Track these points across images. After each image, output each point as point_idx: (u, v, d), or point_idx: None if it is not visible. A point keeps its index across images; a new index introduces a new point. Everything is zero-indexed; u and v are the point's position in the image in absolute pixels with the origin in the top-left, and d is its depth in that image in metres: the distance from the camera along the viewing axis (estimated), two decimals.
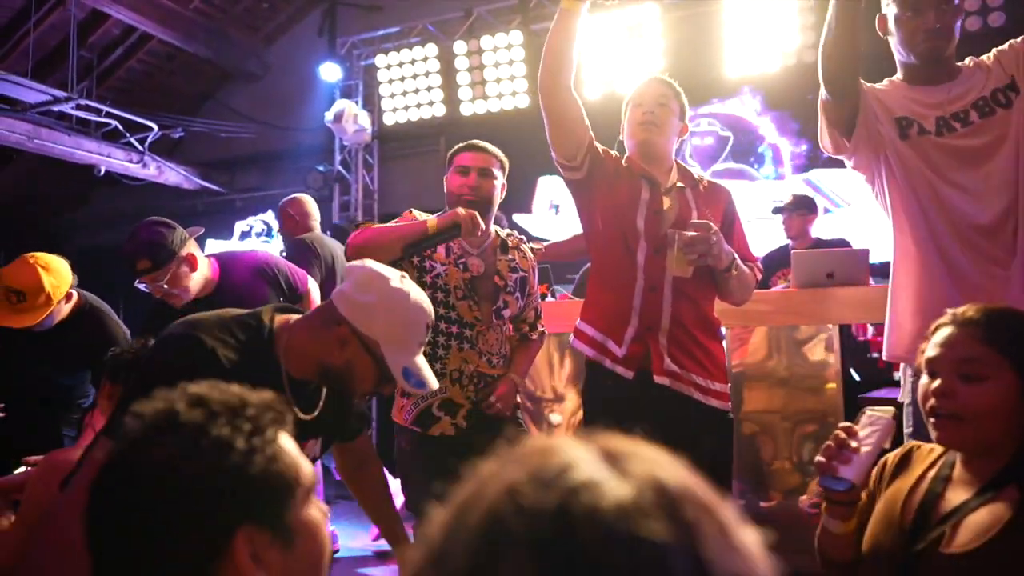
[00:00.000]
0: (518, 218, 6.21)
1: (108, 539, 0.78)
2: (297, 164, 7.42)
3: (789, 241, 4.68)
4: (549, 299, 3.89)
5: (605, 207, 2.25)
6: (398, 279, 1.54)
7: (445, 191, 2.54)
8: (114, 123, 6.94)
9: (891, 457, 1.44)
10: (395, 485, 2.90)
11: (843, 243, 4.62)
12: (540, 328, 2.63)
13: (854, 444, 1.34)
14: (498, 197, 2.52)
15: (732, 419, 2.25)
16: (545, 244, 3.34)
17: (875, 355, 4.51)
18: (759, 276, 2.34)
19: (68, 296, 2.76)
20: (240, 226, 8.06)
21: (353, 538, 4.13)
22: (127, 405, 1.34)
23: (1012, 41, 2.08)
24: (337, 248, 4.09)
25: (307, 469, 0.84)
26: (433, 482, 2.36)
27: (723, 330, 2.37)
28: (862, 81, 2.08)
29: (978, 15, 4.89)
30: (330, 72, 6.93)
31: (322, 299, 3.01)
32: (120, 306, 8.09)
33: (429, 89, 6.66)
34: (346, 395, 1.59)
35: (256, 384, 1.41)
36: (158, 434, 0.78)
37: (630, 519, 0.41)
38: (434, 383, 1.59)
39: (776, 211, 4.73)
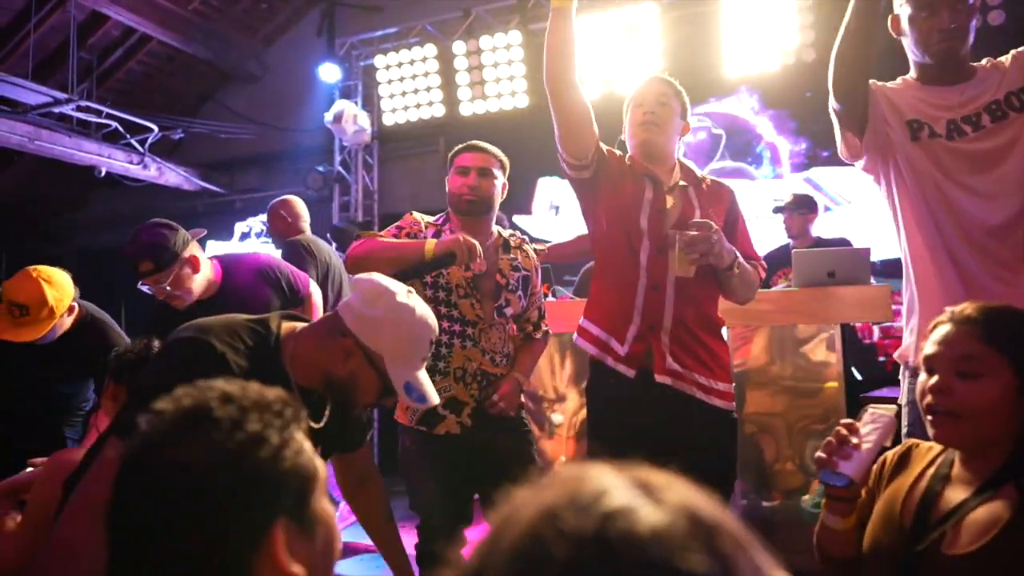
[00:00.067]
0: (518, 219, 6.21)
1: (145, 537, 0.78)
2: (297, 165, 7.43)
3: (790, 240, 4.69)
4: (550, 299, 3.90)
5: (609, 207, 2.25)
6: (404, 294, 1.55)
7: (447, 191, 2.56)
8: (114, 124, 6.95)
9: (890, 455, 1.45)
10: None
11: (844, 242, 4.62)
12: (544, 328, 2.65)
13: (855, 440, 1.35)
14: (499, 197, 2.54)
15: (736, 419, 2.25)
16: (549, 245, 3.34)
17: (882, 359, 4.52)
18: (763, 275, 2.34)
19: (70, 309, 2.76)
20: (240, 227, 8.07)
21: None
22: (136, 405, 1.35)
23: None
24: (331, 253, 4.09)
25: (319, 461, 0.86)
26: (438, 481, 2.37)
27: (724, 330, 2.36)
28: (873, 81, 2.08)
29: (978, 13, 4.90)
30: (329, 73, 6.94)
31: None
32: (122, 307, 8.11)
33: (428, 89, 6.66)
34: (348, 406, 1.59)
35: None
36: (194, 430, 0.79)
37: (668, 547, 0.41)
38: (435, 398, 1.61)
39: (777, 210, 4.74)
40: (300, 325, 1.58)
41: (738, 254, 2.17)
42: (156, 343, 2.22)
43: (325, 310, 3.02)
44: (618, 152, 2.33)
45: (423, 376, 1.58)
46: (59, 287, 2.71)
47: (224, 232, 7.92)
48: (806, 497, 3.36)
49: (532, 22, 6.21)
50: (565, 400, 4.00)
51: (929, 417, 1.31)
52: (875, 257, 3.31)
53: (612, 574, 0.40)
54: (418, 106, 6.75)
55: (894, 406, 1.40)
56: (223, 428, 0.79)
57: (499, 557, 0.43)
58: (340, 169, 7.27)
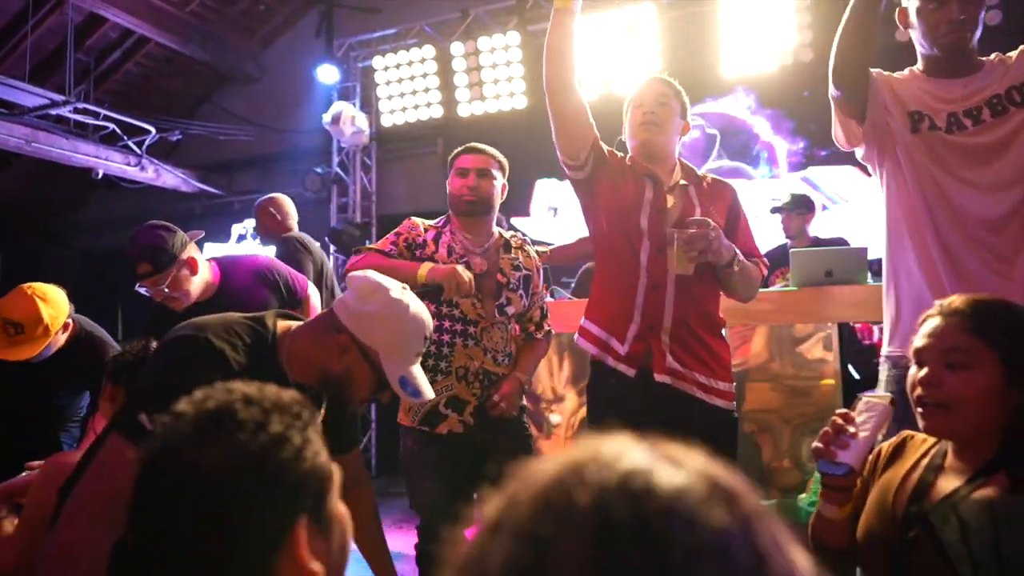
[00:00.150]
0: (516, 221, 6.22)
1: (168, 539, 0.79)
2: (295, 166, 7.43)
3: (787, 240, 4.69)
4: (548, 299, 3.90)
5: (609, 207, 2.26)
6: (399, 290, 1.56)
7: (447, 194, 2.58)
8: (111, 126, 6.95)
9: (885, 446, 1.46)
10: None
11: (841, 242, 4.63)
12: (546, 328, 2.66)
13: (852, 429, 1.36)
14: (499, 198, 2.57)
15: (737, 418, 2.26)
16: (551, 247, 3.35)
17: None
18: (765, 272, 2.34)
19: (65, 326, 2.74)
20: (237, 229, 8.06)
21: None
22: (135, 403, 1.35)
23: None
24: (322, 253, 4.10)
25: (332, 462, 0.88)
26: (440, 480, 2.38)
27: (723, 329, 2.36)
28: (879, 70, 2.09)
29: (986, 5, 4.91)
30: (327, 74, 6.93)
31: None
32: (120, 309, 8.13)
33: (427, 90, 6.67)
34: (344, 402, 1.60)
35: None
36: (218, 431, 0.81)
37: (691, 500, 0.42)
38: (430, 393, 1.62)
39: (775, 211, 4.74)
40: (295, 323, 1.59)
41: (738, 251, 2.16)
42: (154, 344, 2.22)
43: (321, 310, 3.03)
44: (619, 153, 2.34)
45: (418, 371, 1.60)
46: (54, 304, 2.69)
47: (222, 234, 7.92)
48: (803, 496, 3.36)
49: (530, 23, 6.22)
50: (563, 401, 4.01)
51: (919, 409, 1.33)
52: (872, 256, 3.31)
53: (636, 520, 0.40)
54: (416, 107, 6.75)
55: (888, 394, 1.41)
56: (247, 429, 0.81)
57: (519, 509, 0.43)
58: (338, 170, 7.27)
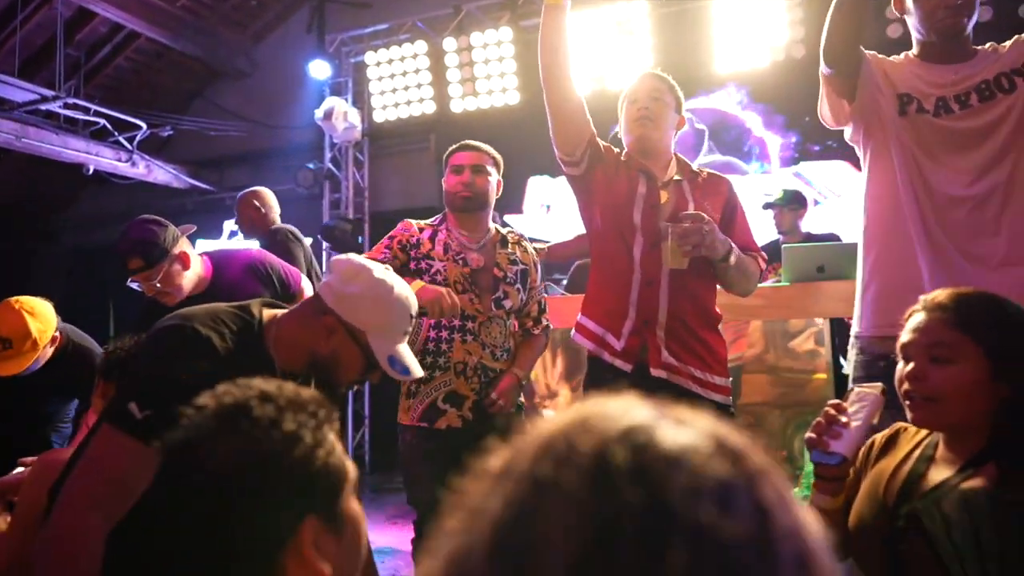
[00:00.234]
0: (509, 218, 6.22)
1: (179, 532, 0.81)
2: (287, 162, 7.40)
3: (779, 236, 4.70)
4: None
5: (604, 203, 2.27)
6: (381, 270, 1.57)
7: (443, 191, 2.60)
8: (102, 122, 6.91)
9: (879, 438, 1.48)
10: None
11: (833, 237, 4.64)
12: (544, 322, 2.68)
13: (844, 419, 1.37)
14: (494, 193, 2.59)
15: (734, 413, 2.27)
16: (549, 245, 3.36)
17: None
18: (763, 266, 2.34)
19: (53, 339, 2.73)
20: (229, 224, 8.03)
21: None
22: (126, 394, 1.35)
23: None
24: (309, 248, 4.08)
25: (350, 462, 0.89)
26: (438, 474, 2.40)
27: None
28: (873, 52, 2.10)
29: None
30: (319, 69, 6.91)
31: None
32: (111, 305, 8.08)
33: (419, 86, 6.65)
34: (333, 385, 1.60)
35: (250, 374, 1.43)
36: (233, 428, 0.82)
37: (694, 452, 0.42)
38: (419, 370, 1.62)
39: (767, 206, 4.75)
40: (280, 311, 1.59)
41: (733, 245, 2.16)
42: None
43: None
44: (615, 148, 2.34)
45: (405, 349, 1.60)
46: (42, 318, 2.67)
47: (214, 230, 7.89)
48: (795, 489, 3.38)
49: (523, 18, 6.21)
50: (557, 396, 4.01)
51: (907, 402, 1.34)
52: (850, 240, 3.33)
53: (636, 465, 0.40)
54: (408, 103, 6.74)
55: (880, 384, 1.42)
56: (260, 426, 0.82)
57: (527, 453, 0.44)
58: (330, 166, 7.25)
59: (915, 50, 2.13)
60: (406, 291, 1.59)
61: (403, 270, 2.47)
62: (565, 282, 4.29)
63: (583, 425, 0.44)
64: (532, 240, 2.95)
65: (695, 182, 2.29)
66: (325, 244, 6.76)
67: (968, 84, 2.02)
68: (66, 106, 6.61)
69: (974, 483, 1.26)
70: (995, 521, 1.21)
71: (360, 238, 7.02)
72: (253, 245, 3.86)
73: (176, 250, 2.45)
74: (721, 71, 5.71)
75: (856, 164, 2.34)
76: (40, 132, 6.68)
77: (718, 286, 2.32)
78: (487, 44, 6.31)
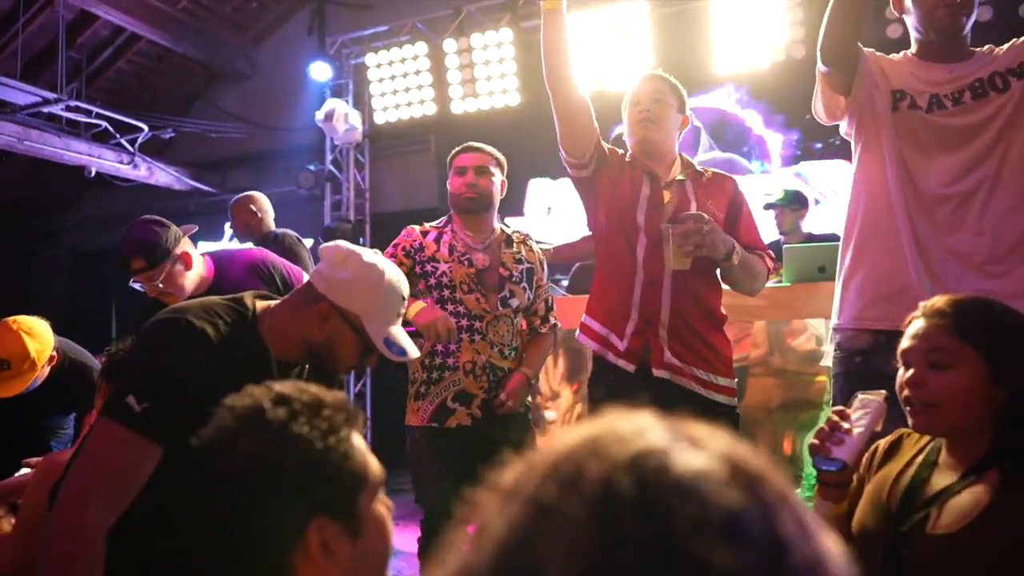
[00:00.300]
0: (510, 221, 6.22)
1: (195, 527, 0.84)
2: (288, 164, 7.41)
3: (780, 236, 4.70)
4: None
5: (608, 205, 2.28)
6: (371, 254, 1.58)
7: (448, 193, 2.63)
8: (104, 124, 6.92)
9: (882, 443, 1.48)
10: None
11: (834, 237, 4.61)
12: (552, 320, 2.70)
13: (846, 426, 1.38)
14: (498, 194, 2.62)
15: (738, 414, 2.27)
16: (555, 246, 3.37)
17: None
18: (770, 265, 2.33)
19: (50, 358, 2.72)
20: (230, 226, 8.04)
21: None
22: (124, 388, 1.35)
23: None
24: None
25: (375, 465, 0.90)
26: (447, 473, 2.42)
27: None
28: (871, 49, 2.12)
29: None
30: (320, 71, 6.92)
31: None
32: (113, 306, 8.08)
33: (419, 88, 6.66)
34: (331, 371, 1.62)
35: (245, 364, 1.44)
36: (248, 429, 0.84)
37: (704, 480, 0.40)
38: (415, 351, 1.63)
39: (768, 207, 4.75)
40: (274, 303, 1.60)
41: (736, 244, 2.16)
42: None
43: None
44: (619, 150, 2.35)
45: (400, 331, 1.61)
46: (40, 338, 2.66)
47: (215, 231, 7.90)
48: (797, 490, 3.38)
49: (523, 20, 6.21)
50: (559, 397, 4.01)
51: (907, 408, 1.35)
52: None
53: (641, 494, 0.39)
54: (409, 104, 6.74)
55: (883, 391, 1.43)
56: (272, 429, 0.84)
57: (535, 473, 0.44)
58: (331, 168, 7.26)
59: (913, 49, 2.14)
60: (397, 274, 1.59)
61: (409, 275, 2.49)
62: (566, 283, 4.30)
63: (593, 448, 0.43)
64: (538, 243, 2.95)
65: (699, 182, 2.29)
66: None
67: (963, 82, 2.03)
68: (68, 109, 6.62)
69: (976, 489, 1.27)
70: (997, 528, 1.22)
71: (361, 239, 7.03)
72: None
73: (178, 250, 2.45)
74: (721, 72, 5.71)
75: None
76: (42, 135, 6.70)
77: (725, 286, 2.32)
78: (487, 45, 6.32)
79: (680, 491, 0.40)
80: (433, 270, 2.50)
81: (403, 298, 1.60)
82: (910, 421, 1.36)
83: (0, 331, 2.63)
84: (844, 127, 2.19)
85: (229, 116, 8.01)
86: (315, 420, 0.85)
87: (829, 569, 0.41)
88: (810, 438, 1.41)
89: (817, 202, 5.42)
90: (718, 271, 2.27)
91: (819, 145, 5.55)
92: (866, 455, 1.45)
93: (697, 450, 0.43)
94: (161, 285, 2.43)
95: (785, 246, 3.56)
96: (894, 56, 2.13)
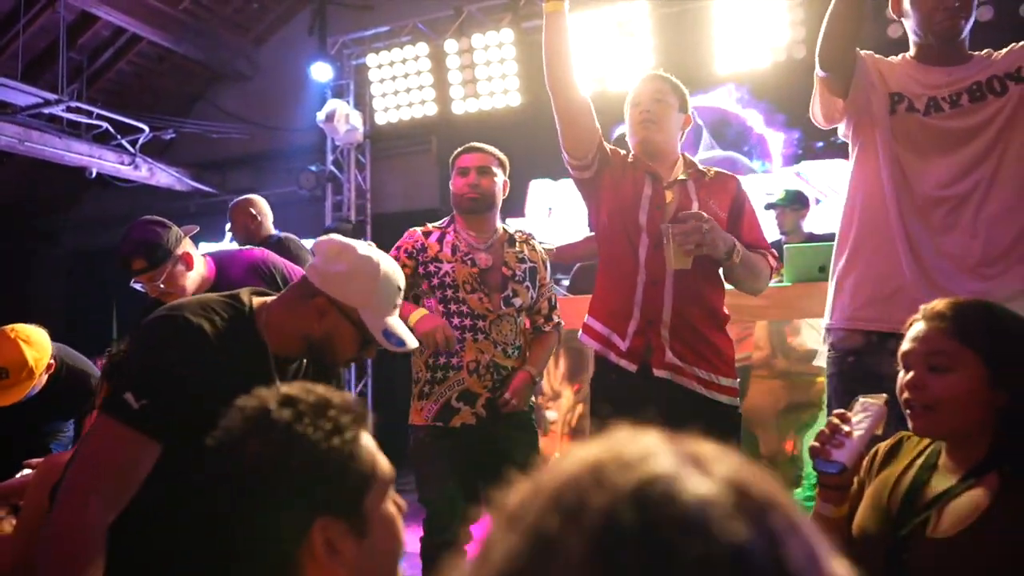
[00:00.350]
0: (511, 222, 6.21)
1: (199, 526, 0.86)
2: (289, 164, 7.42)
3: (781, 236, 4.70)
4: None
5: (611, 205, 2.28)
6: (365, 247, 1.59)
7: (451, 194, 2.64)
8: (105, 125, 6.92)
9: (882, 447, 1.49)
10: None
11: (835, 237, 4.63)
12: (555, 319, 2.71)
13: (847, 429, 1.38)
14: (501, 194, 2.63)
15: (740, 414, 2.26)
16: (558, 246, 3.37)
17: None
18: (773, 264, 2.32)
19: (48, 366, 2.71)
20: None
21: None
22: (122, 386, 1.36)
23: None
24: None
25: (384, 465, 0.91)
26: (451, 472, 2.43)
27: None
28: (870, 52, 2.12)
29: None
30: (321, 72, 6.92)
31: None
32: (114, 306, 8.08)
33: (420, 88, 6.66)
34: (330, 365, 1.62)
35: (243, 360, 1.44)
36: (253, 430, 0.86)
37: (709, 512, 0.39)
38: (413, 341, 1.63)
39: (769, 207, 4.75)
40: (270, 299, 1.60)
41: (737, 243, 2.15)
42: None
43: None
44: (622, 151, 2.35)
45: (397, 322, 1.61)
46: (37, 346, 2.65)
47: (216, 232, 7.90)
48: (798, 490, 3.38)
49: (524, 20, 6.21)
50: (559, 398, 4.01)
51: (907, 411, 1.36)
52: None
53: (644, 527, 0.39)
54: (410, 105, 6.75)
55: (884, 395, 1.43)
56: (275, 431, 0.85)
57: (539, 500, 0.43)
58: (332, 168, 7.26)
59: (912, 52, 2.14)
60: (392, 265, 1.60)
61: (412, 276, 2.53)
62: (567, 282, 4.30)
63: (597, 476, 0.42)
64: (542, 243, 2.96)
65: (701, 181, 2.29)
66: None
67: (960, 86, 2.03)
68: (69, 110, 6.62)
69: (975, 493, 1.27)
70: (996, 531, 1.22)
71: (366, 239, 7.03)
72: None
73: (179, 251, 2.45)
74: (722, 72, 5.71)
75: None
76: (43, 136, 6.70)
77: (729, 286, 2.32)
78: (488, 46, 6.32)
79: (684, 525, 0.39)
80: (436, 270, 2.51)
81: (399, 288, 1.61)
82: (910, 424, 1.36)
83: None
84: (842, 129, 2.20)
85: (230, 117, 8.01)
86: (319, 421, 0.86)
87: None
88: (811, 439, 1.41)
89: (818, 201, 5.41)
90: (721, 271, 2.27)
91: (820, 144, 5.55)
92: (866, 459, 1.45)
93: (703, 476, 0.42)
94: (162, 286, 2.43)
95: (786, 246, 3.56)
96: (892, 58, 2.13)
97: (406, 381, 2.63)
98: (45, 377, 2.72)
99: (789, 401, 3.46)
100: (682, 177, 2.27)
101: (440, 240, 2.58)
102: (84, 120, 6.82)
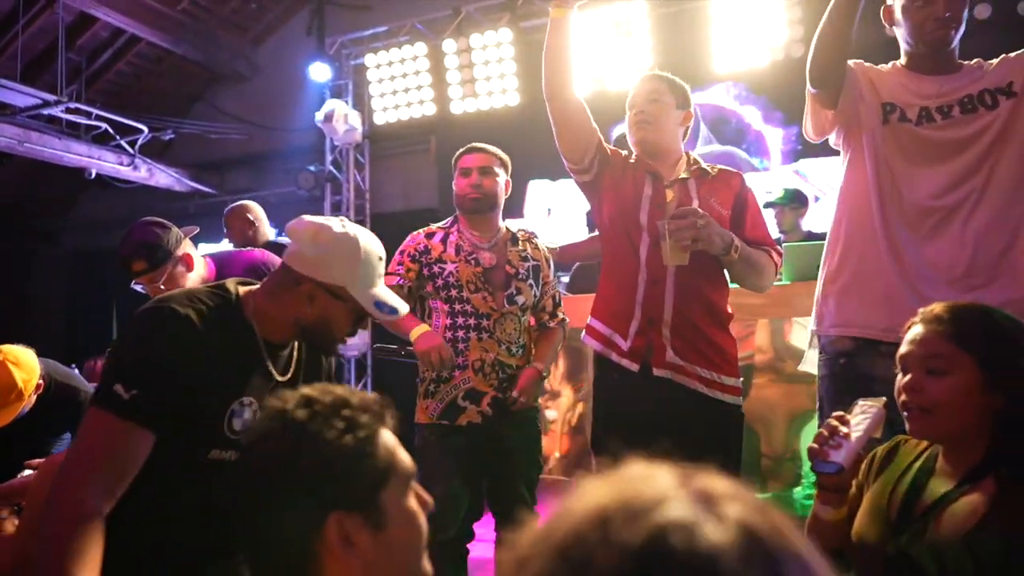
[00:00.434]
0: (510, 223, 6.21)
1: (230, 524, 0.92)
2: (288, 165, 7.42)
3: (780, 235, 4.71)
4: None
5: (612, 206, 2.29)
6: (338, 224, 1.59)
7: (453, 194, 2.67)
8: (104, 126, 6.92)
9: (880, 451, 1.49)
10: None
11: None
12: (560, 316, 2.73)
13: (845, 430, 1.39)
14: (503, 194, 2.67)
15: (742, 414, 2.26)
16: (560, 246, 3.38)
17: None
18: (777, 260, 2.32)
19: (37, 387, 2.70)
20: None
21: None
22: (111, 378, 1.36)
23: None
24: None
25: (404, 460, 0.94)
26: (457, 471, 2.44)
27: None
28: (859, 61, 2.13)
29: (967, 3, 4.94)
30: (320, 72, 6.92)
31: None
32: (114, 307, 8.08)
33: (419, 88, 6.66)
34: (328, 345, 1.63)
35: (232, 347, 1.45)
36: (270, 429, 0.91)
37: (720, 566, 0.38)
38: (404, 306, 1.64)
39: (767, 205, 4.76)
40: (255, 287, 1.61)
41: (736, 239, 2.14)
42: None
43: None
44: (623, 151, 2.36)
45: (384, 291, 1.62)
46: (26, 368, 2.62)
47: (216, 233, 7.89)
48: (797, 489, 3.39)
49: (523, 19, 6.21)
50: (559, 397, 4.02)
51: (905, 413, 1.36)
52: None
53: None
54: (409, 105, 6.75)
55: (882, 398, 1.44)
56: (291, 430, 0.89)
57: (545, 550, 0.43)
58: (331, 169, 7.26)
59: (903, 60, 2.15)
60: (369, 236, 1.60)
61: (418, 278, 2.57)
62: (566, 279, 4.30)
63: (603, 529, 0.41)
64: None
65: (703, 179, 2.28)
66: None
67: (952, 97, 2.04)
68: (68, 111, 6.62)
69: (973, 497, 1.28)
70: (990, 537, 1.23)
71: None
72: None
73: (179, 252, 2.46)
74: (720, 71, 5.72)
75: None
76: (42, 137, 6.70)
77: (733, 284, 2.32)
78: (487, 45, 6.32)
79: None
80: (440, 271, 2.54)
81: (380, 258, 1.61)
82: (908, 426, 1.37)
83: None
84: (833, 139, 2.21)
85: (229, 117, 8.01)
86: (333, 420, 0.90)
87: None
88: (811, 439, 1.42)
89: (817, 199, 5.42)
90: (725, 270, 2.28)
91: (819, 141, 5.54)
92: (865, 463, 1.46)
93: (715, 521, 0.40)
94: (163, 287, 2.43)
95: (785, 244, 3.56)
96: (883, 67, 2.14)
97: (406, 381, 2.64)
98: (34, 398, 2.69)
99: (789, 401, 3.46)
100: (684, 175, 2.27)
101: (444, 240, 2.60)
102: (83, 121, 6.82)
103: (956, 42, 2.06)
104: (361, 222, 7.16)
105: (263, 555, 0.90)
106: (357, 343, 6.84)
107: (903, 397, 1.36)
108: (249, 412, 1.49)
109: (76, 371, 3.07)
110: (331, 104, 6.68)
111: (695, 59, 5.63)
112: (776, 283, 3.44)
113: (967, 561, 1.24)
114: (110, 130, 7.00)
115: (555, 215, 6.41)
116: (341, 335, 1.60)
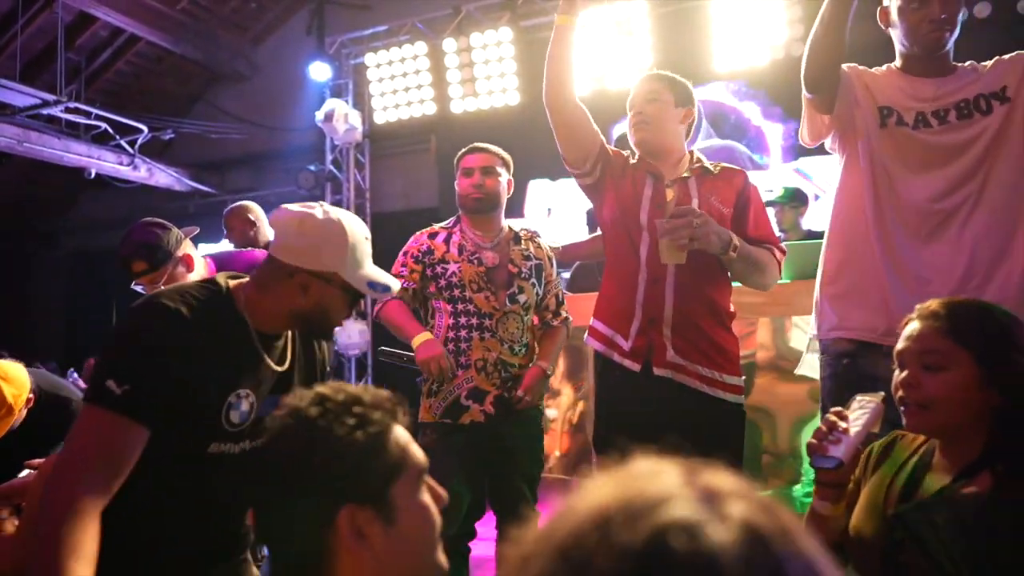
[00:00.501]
0: (512, 222, 6.21)
1: (254, 511, 0.98)
2: (288, 164, 7.42)
3: (781, 233, 4.70)
4: None
5: (614, 207, 2.29)
6: (321, 211, 1.58)
7: (456, 195, 2.68)
8: (103, 126, 6.92)
9: (876, 446, 1.49)
10: None
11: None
12: (563, 314, 2.74)
13: (844, 426, 1.39)
14: (505, 193, 2.69)
15: (744, 412, 2.26)
16: (563, 245, 3.38)
17: None
18: (780, 258, 2.30)
19: (27, 401, 2.70)
20: None
21: None
22: (103, 373, 1.36)
23: (1021, 52, 2.10)
24: None
25: (417, 455, 0.97)
26: (460, 469, 2.45)
27: None
28: (854, 65, 2.13)
29: (964, 6, 4.94)
30: (320, 71, 6.92)
31: None
32: (113, 307, 8.08)
33: (419, 87, 6.67)
34: (327, 331, 1.65)
35: (225, 340, 1.45)
36: (287, 426, 0.94)
37: (722, 568, 0.38)
38: (396, 283, 1.65)
39: (768, 204, 4.75)
40: (245, 280, 1.61)
41: (734, 237, 2.13)
42: None
43: None
44: (624, 152, 2.36)
45: (375, 270, 1.62)
46: (16, 382, 2.61)
47: (216, 233, 7.89)
48: (797, 486, 3.39)
49: (523, 19, 6.21)
50: (559, 395, 4.02)
51: (902, 408, 1.37)
52: None
53: None
54: (409, 104, 6.75)
55: (881, 393, 1.44)
56: (303, 426, 0.92)
57: (547, 550, 0.42)
58: (331, 168, 7.26)
59: (898, 62, 2.15)
60: (352, 218, 1.60)
61: (422, 279, 2.58)
62: (567, 275, 4.30)
63: (603, 530, 0.41)
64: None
65: (705, 178, 2.28)
66: None
67: (948, 101, 2.05)
68: (67, 110, 6.62)
69: (969, 491, 1.28)
70: (989, 531, 1.23)
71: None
72: None
73: (179, 252, 2.46)
74: (720, 70, 5.72)
75: None
76: (42, 137, 6.70)
77: (736, 283, 2.32)
78: (487, 45, 6.32)
79: None
80: (443, 271, 2.55)
81: (366, 238, 1.62)
82: (905, 422, 1.37)
83: None
84: (829, 143, 2.21)
85: (229, 117, 8.01)
86: (344, 417, 0.92)
87: None
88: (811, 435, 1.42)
89: (817, 198, 5.42)
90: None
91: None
92: (862, 458, 1.46)
93: (718, 520, 0.40)
94: (163, 287, 2.43)
95: (785, 243, 3.56)
96: (878, 70, 2.14)
97: (407, 382, 2.64)
98: (25, 411, 2.68)
99: (789, 399, 3.47)
100: (685, 175, 2.27)
101: (447, 240, 2.62)
102: (83, 121, 6.82)
103: (951, 44, 2.07)
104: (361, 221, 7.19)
105: (281, 548, 0.95)
106: (358, 342, 6.84)
107: (900, 393, 1.36)
108: (246, 404, 1.49)
109: (73, 376, 3.05)
110: (331, 103, 6.69)
111: (695, 58, 5.63)
112: (777, 281, 3.45)
113: (963, 553, 1.24)
114: (110, 130, 7.00)
115: (555, 215, 6.41)
116: (339, 320, 1.61)
